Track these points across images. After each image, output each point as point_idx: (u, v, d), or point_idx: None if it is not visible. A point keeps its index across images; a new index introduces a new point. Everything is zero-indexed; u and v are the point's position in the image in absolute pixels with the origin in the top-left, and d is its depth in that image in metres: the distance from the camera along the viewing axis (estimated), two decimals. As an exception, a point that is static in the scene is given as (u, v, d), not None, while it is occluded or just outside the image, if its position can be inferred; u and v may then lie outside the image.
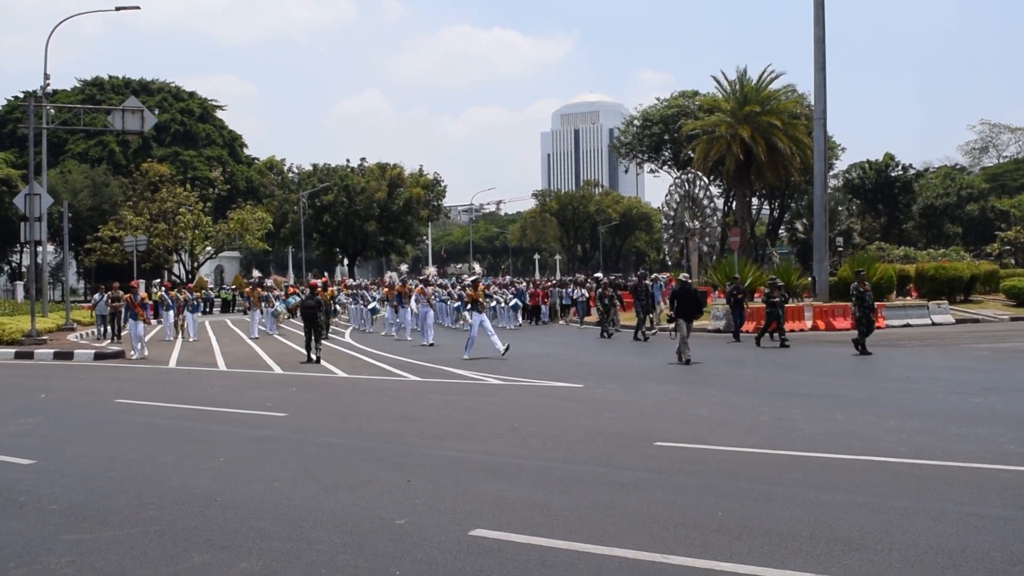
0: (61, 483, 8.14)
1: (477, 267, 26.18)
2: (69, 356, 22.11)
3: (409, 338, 26.69)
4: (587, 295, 35.09)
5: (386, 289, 30.94)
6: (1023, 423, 10.48)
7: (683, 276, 19.39)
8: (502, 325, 32.22)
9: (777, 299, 23.04)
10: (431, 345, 23.95)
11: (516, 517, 6.63)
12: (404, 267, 34.19)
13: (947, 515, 6.52)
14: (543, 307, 36.31)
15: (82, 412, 13.10)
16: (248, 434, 10.64)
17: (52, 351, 22.68)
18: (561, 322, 36.31)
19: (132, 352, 21.95)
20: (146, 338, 25.92)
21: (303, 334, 21.28)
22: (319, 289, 28.07)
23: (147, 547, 6.09)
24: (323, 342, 26.18)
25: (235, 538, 6.25)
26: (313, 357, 19.81)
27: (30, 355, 22.37)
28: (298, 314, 25.58)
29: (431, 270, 30.29)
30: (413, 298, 26.03)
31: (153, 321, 28.48)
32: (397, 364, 19.12)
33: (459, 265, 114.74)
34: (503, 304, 33.65)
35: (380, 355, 21.55)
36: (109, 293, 27.49)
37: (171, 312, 28.83)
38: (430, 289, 26.62)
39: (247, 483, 7.98)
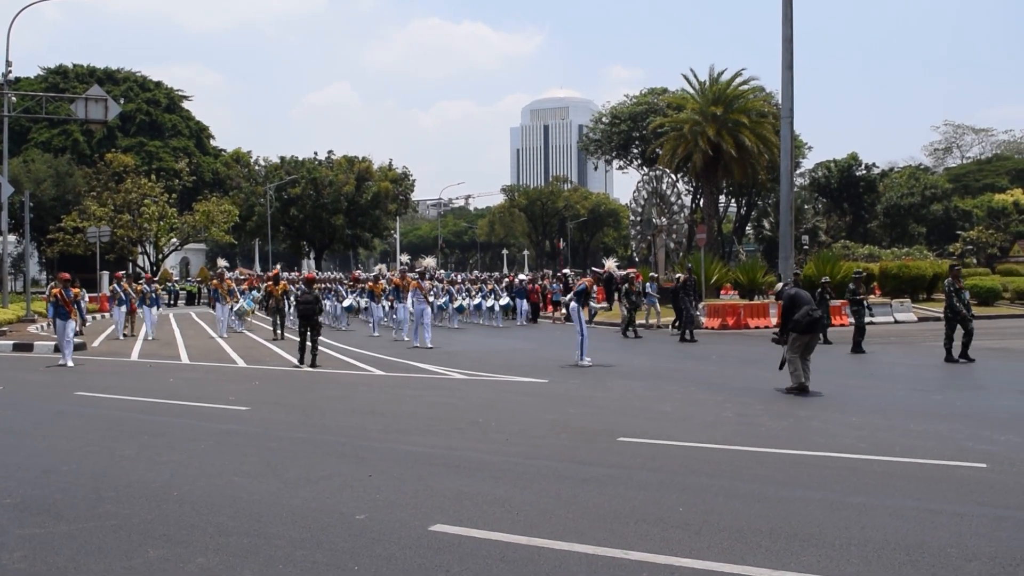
0: (17, 476, 8.01)
1: (610, 262, 22.51)
2: (29, 348, 21.81)
3: (406, 337, 23.55)
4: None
5: (359, 282, 28.71)
6: (981, 420, 10.61)
7: (787, 282, 14.37)
8: (489, 323, 31.00)
9: (863, 296, 20.31)
10: (430, 348, 20.91)
11: (477, 512, 6.61)
12: (405, 258, 31.82)
13: (905, 511, 6.57)
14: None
15: (41, 404, 12.91)
16: (209, 428, 10.53)
17: (11, 343, 22.36)
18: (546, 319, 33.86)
19: (61, 359, 18.23)
20: (102, 336, 25.54)
21: (297, 336, 18.30)
22: (271, 284, 26.00)
23: (102, 542, 6.01)
24: (285, 334, 25.51)
25: (192, 533, 6.18)
26: (306, 361, 17.53)
27: (-11, 347, 22.07)
28: (266, 308, 24.63)
29: (429, 261, 26.99)
30: (410, 293, 22.40)
31: (115, 315, 26.67)
32: (362, 358, 19.01)
33: (426, 259, 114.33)
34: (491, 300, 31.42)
35: (345, 349, 21.41)
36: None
37: (123, 307, 26.17)
38: (427, 283, 23.12)
39: (207, 477, 7.90)
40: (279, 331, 25.36)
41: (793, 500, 6.91)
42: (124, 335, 25.88)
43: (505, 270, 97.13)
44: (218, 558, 5.65)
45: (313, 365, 17.34)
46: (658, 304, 28.79)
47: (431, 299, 24.53)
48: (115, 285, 26.59)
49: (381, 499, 7.02)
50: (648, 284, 28.51)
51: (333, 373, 16.68)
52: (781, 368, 13.32)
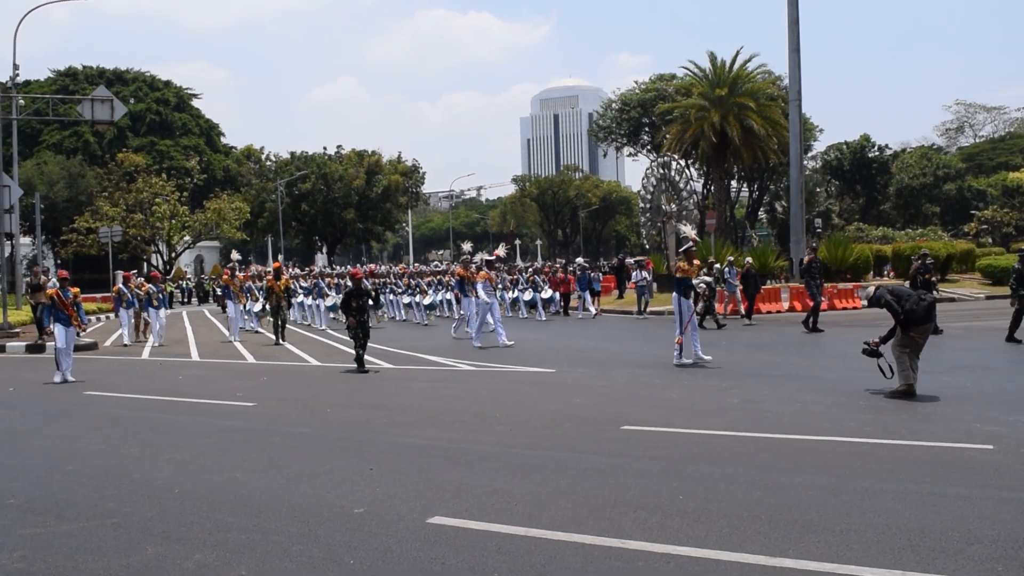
0: (21, 476, 8.06)
1: (686, 228, 17.75)
2: (41, 349, 21.89)
3: (473, 334, 19.64)
4: (648, 278, 28.34)
5: (376, 276, 27.02)
6: (989, 401, 10.53)
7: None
8: (526, 317, 28.73)
9: None
10: (511, 345, 18.69)
11: (475, 504, 6.59)
12: (467, 246, 28.53)
13: (907, 495, 6.51)
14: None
15: (50, 404, 12.97)
16: (215, 424, 10.56)
17: (24, 344, 22.48)
18: (578, 312, 29.71)
19: (56, 374, 15.34)
20: (113, 336, 25.48)
21: (351, 338, 16.16)
22: (271, 280, 23.45)
23: (102, 540, 6.03)
24: (288, 327, 24.59)
25: (191, 529, 6.19)
26: (355, 363, 15.78)
27: (1, 348, 22.19)
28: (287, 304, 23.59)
29: (500, 250, 23.61)
30: (479, 285, 19.41)
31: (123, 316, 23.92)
32: (370, 352, 18.98)
33: (440, 251, 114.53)
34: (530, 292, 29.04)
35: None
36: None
37: (130, 311, 23.71)
38: (494, 273, 20.59)
39: (208, 474, 7.91)
40: (279, 334, 22.20)
41: (795, 486, 6.86)
42: (131, 342, 23.30)
43: (519, 260, 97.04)
44: (215, 554, 5.65)
45: (358, 361, 15.73)
46: (739, 292, 25.71)
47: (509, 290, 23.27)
48: (121, 286, 24.30)
49: (381, 492, 7.01)
50: (727, 269, 25.79)
51: (340, 368, 16.64)
52: (890, 378, 11.42)
